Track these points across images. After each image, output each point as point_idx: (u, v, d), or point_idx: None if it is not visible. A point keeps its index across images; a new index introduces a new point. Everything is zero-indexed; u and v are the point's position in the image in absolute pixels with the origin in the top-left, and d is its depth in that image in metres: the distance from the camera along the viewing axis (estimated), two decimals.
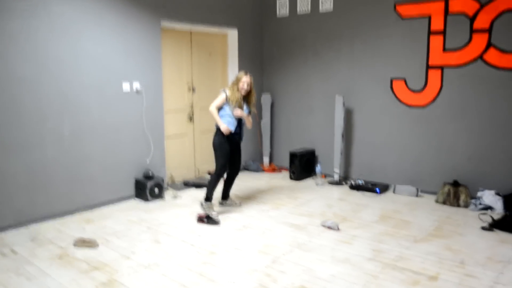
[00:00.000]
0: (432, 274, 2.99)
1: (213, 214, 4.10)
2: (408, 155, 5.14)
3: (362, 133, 5.53)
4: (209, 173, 5.92)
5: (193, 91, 5.70)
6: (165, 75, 5.22)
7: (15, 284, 2.88)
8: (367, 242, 3.56)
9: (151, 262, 3.21)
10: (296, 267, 3.11)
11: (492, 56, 4.43)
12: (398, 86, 5.12)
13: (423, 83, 4.93)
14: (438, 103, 4.84)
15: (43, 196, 4.07)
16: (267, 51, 6.42)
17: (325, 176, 5.79)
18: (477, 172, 4.63)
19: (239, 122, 4.25)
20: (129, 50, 4.67)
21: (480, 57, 4.51)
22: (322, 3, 5.67)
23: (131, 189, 4.83)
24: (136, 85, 4.75)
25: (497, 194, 4.37)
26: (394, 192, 5.05)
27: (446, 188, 4.62)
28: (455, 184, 4.62)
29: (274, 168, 6.30)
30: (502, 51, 4.37)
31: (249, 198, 4.89)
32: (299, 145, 6.10)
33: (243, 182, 5.53)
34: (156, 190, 4.77)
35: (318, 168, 5.59)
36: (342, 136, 5.45)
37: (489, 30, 4.42)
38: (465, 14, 4.55)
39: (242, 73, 4.20)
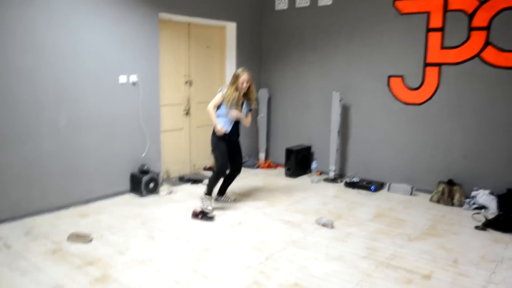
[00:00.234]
0: (425, 272, 3.01)
1: (209, 209, 4.10)
2: (403, 153, 5.14)
3: (358, 130, 5.52)
4: (205, 169, 5.91)
5: (190, 84, 5.67)
6: (162, 68, 5.17)
7: (8, 279, 2.87)
8: (361, 240, 3.58)
9: (145, 258, 3.20)
10: (290, 264, 3.11)
11: (490, 54, 4.43)
12: (395, 83, 5.11)
13: (420, 81, 4.92)
14: (435, 101, 4.84)
15: (38, 189, 4.06)
16: (266, 45, 6.38)
17: (321, 173, 5.79)
18: (472, 171, 4.65)
19: (236, 121, 4.24)
20: (127, 41, 4.63)
21: (478, 55, 4.51)
22: None
23: (126, 184, 4.81)
24: (133, 77, 4.72)
25: (492, 193, 4.39)
26: (388, 190, 5.06)
27: (441, 187, 4.63)
28: (450, 183, 4.63)
29: (270, 164, 6.28)
30: (500, 49, 4.37)
31: (244, 194, 4.89)
32: (296, 141, 6.08)
33: (239, 178, 5.49)
34: (151, 185, 4.75)
35: (314, 165, 5.59)
36: (338, 132, 5.45)
37: (488, 28, 4.41)
38: (464, 11, 4.54)
39: (240, 70, 4.14)
